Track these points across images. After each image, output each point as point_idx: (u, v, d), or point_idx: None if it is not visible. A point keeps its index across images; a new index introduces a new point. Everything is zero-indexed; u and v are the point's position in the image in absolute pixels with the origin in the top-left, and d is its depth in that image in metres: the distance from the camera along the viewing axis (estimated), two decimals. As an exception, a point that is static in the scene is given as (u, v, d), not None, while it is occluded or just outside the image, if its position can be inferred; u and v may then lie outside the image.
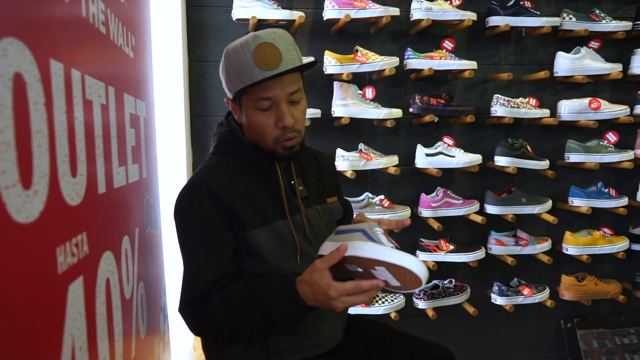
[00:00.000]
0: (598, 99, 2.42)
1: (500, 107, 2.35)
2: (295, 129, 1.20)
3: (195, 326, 1.19)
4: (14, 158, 0.55)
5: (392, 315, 2.32)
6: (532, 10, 2.35)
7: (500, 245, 2.42)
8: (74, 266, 0.73)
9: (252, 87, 1.15)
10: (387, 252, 0.99)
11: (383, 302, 2.30)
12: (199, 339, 1.94)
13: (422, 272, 0.97)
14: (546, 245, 2.46)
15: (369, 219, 1.23)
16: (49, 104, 0.67)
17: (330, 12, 2.19)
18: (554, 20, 2.36)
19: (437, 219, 2.35)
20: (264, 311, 1.09)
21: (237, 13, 2.14)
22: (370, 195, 2.31)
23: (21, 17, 0.60)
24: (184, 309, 1.18)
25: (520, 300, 2.44)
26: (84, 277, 0.77)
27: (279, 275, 1.14)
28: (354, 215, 1.44)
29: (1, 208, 0.52)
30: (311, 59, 1.93)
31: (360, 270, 1.04)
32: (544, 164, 2.40)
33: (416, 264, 0.97)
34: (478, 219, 2.35)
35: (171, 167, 2.01)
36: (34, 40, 0.63)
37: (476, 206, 2.38)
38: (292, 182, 1.28)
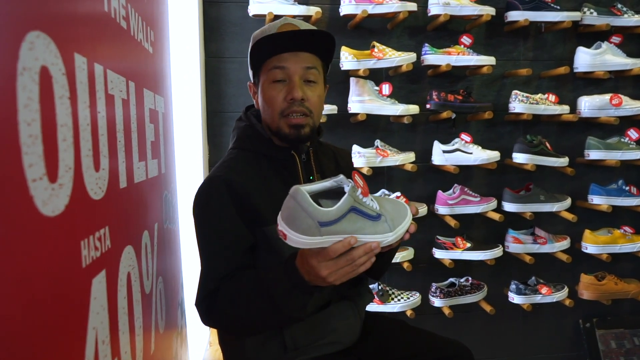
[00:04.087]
0: (619, 95, 2.37)
1: (519, 104, 2.32)
2: (306, 106, 1.19)
3: (207, 318, 1.19)
4: (40, 151, 0.55)
5: (408, 313, 2.31)
6: (552, 5, 2.31)
7: (518, 244, 2.40)
8: (97, 260, 0.73)
9: (269, 59, 1.18)
10: (386, 237, 0.97)
11: (399, 300, 2.29)
12: (215, 335, 1.94)
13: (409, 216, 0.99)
14: (565, 243, 2.42)
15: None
16: (74, 98, 0.67)
17: (346, 7, 2.18)
18: (574, 15, 2.32)
19: (453, 216, 2.33)
20: (268, 294, 1.06)
21: (253, 9, 2.13)
22: (387, 192, 2.29)
23: (46, 11, 0.60)
24: (199, 303, 1.19)
25: (538, 299, 2.41)
26: (106, 271, 0.77)
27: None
28: None
29: (29, 201, 0.52)
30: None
31: None
32: (563, 161, 2.36)
33: (405, 222, 0.98)
34: (495, 216, 2.32)
35: (188, 163, 2.02)
36: (59, 34, 0.63)
37: (494, 204, 2.35)
38: (311, 177, 1.28)
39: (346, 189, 0.93)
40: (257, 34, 1.25)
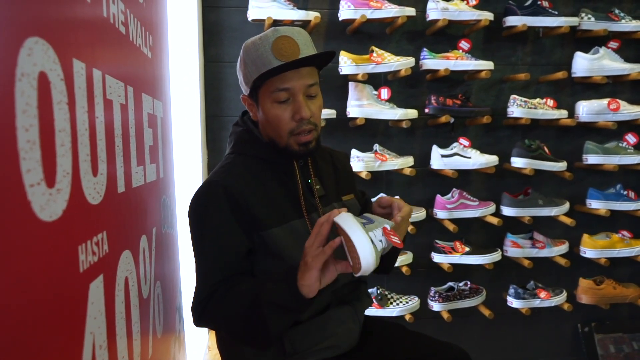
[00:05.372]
0: (617, 99, 2.38)
1: (517, 108, 2.33)
2: (312, 122, 1.20)
3: (198, 320, 1.19)
4: (38, 157, 0.55)
5: (407, 317, 2.31)
6: (550, 10, 2.32)
7: (517, 248, 2.40)
8: (95, 265, 0.73)
9: (270, 79, 1.16)
10: (351, 225, 0.97)
11: (398, 304, 2.29)
12: (213, 339, 1.94)
13: (364, 254, 0.96)
14: (563, 247, 2.43)
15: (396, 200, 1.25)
16: (72, 103, 0.67)
17: (345, 12, 2.19)
18: (572, 20, 2.33)
19: (452, 220, 2.33)
20: (259, 291, 1.08)
21: (252, 13, 2.14)
22: (385, 195, 2.29)
23: (45, 17, 0.61)
24: (194, 308, 1.19)
25: (536, 303, 2.41)
26: (104, 275, 0.77)
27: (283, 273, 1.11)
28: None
29: (26, 206, 0.52)
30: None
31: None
32: (561, 166, 2.37)
33: (363, 244, 0.95)
34: (494, 220, 2.32)
35: (186, 167, 2.02)
36: (58, 40, 0.63)
37: (492, 208, 2.35)
38: (310, 180, 1.28)
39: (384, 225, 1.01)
40: (249, 46, 1.22)
